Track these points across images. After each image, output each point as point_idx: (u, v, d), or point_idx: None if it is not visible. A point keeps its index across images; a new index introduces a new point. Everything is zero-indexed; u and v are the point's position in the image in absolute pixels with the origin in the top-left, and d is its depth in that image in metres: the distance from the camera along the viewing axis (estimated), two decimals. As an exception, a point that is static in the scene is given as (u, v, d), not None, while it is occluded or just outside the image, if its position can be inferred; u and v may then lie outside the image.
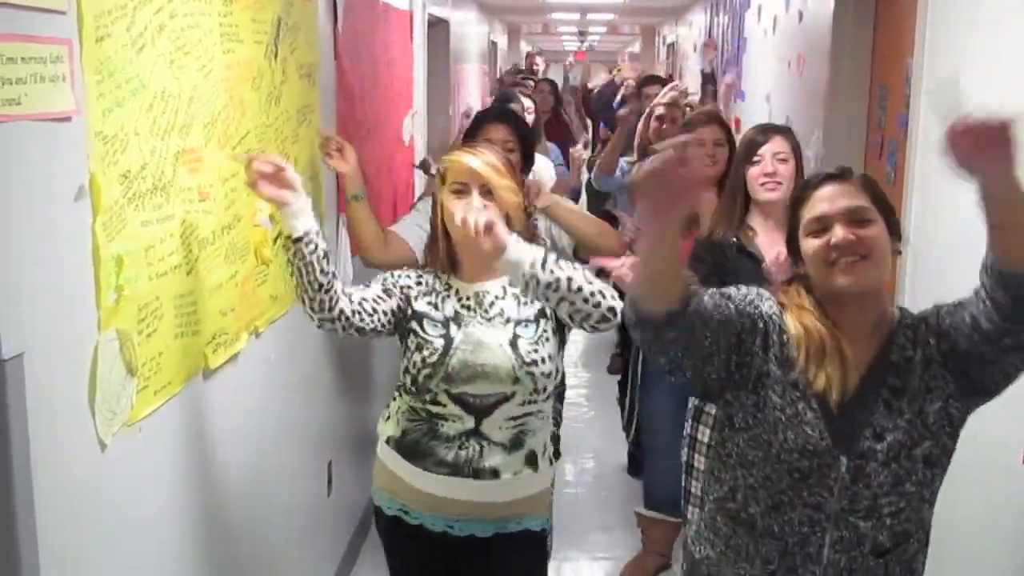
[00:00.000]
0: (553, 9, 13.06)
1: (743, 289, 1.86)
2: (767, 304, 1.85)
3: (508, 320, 2.32)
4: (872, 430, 1.78)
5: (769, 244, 2.83)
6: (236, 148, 2.42)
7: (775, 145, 2.88)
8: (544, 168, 4.61)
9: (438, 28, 6.88)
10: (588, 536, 4.22)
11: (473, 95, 9.10)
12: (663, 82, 7.01)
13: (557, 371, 2.35)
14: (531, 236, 2.39)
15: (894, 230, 1.84)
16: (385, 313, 2.32)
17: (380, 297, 2.33)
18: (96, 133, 1.71)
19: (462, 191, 2.29)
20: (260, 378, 2.67)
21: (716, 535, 1.93)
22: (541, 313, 2.33)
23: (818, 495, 1.79)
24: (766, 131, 2.96)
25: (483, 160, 2.29)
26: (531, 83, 7.49)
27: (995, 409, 2.16)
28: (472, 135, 3.14)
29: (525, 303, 2.34)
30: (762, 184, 2.87)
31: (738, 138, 3.40)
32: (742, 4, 7.08)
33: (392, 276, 2.39)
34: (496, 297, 2.34)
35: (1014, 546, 2.17)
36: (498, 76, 9.43)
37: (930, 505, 1.87)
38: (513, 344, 2.28)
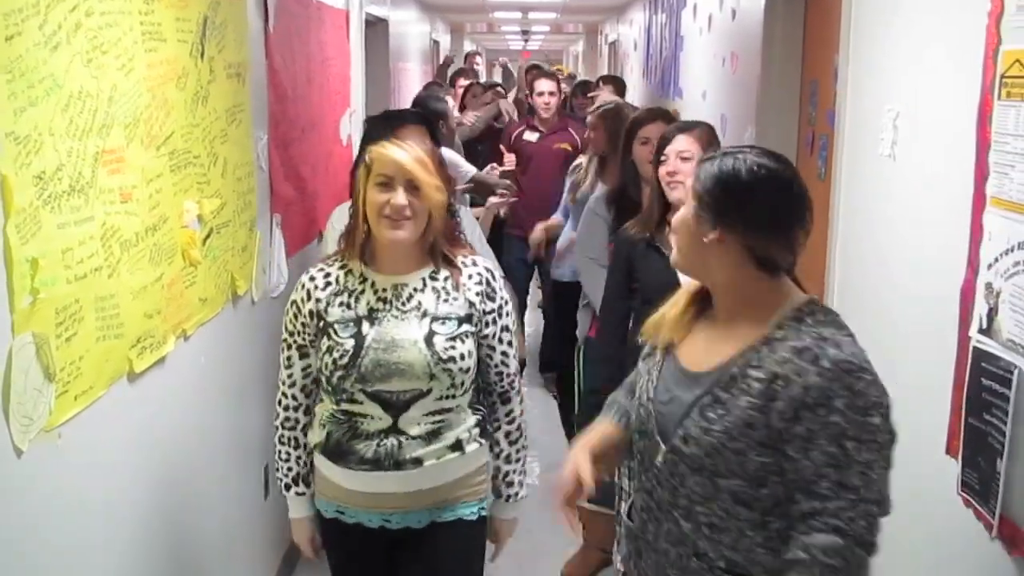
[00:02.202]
0: (495, 8, 13.05)
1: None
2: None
3: (425, 314, 2.28)
4: (684, 432, 1.76)
5: None
6: (161, 148, 2.39)
7: (679, 144, 2.93)
8: (455, 163, 4.64)
9: (377, 27, 6.84)
10: (530, 534, 4.21)
11: (415, 94, 9.05)
12: (616, 81, 7.07)
13: (476, 367, 2.35)
14: (453, 235, 2.38)
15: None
16: (315, 364, 2.36)
17: (308, 369, 2.38)
18: (7, 134, 1.68)
19: (387, 184, 2.23)
20: (189, 382, 2.63)
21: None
22: (466, 319, 2.31)
23: (650, 480, 1.84)
24: (677, 129, 3.01)
25: (411, 155, 2.24)
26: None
27: (917, 399, 2.20)
28: (383, 135, 3.09)
29: (446, 300, 2.31)
30: (667, 183, 2.92)
31: None
32: (679, 2, 7.13)
33: (294, 321, 2.34)
34: (415, 289, 2.30)
35: (938, 535, 2.21)
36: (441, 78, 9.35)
37: (768, 551, 1.70)
38: (428, 340, 2.25)
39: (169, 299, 2.43)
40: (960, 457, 2.08)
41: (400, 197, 2.21)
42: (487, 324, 2.35)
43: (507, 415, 2.47)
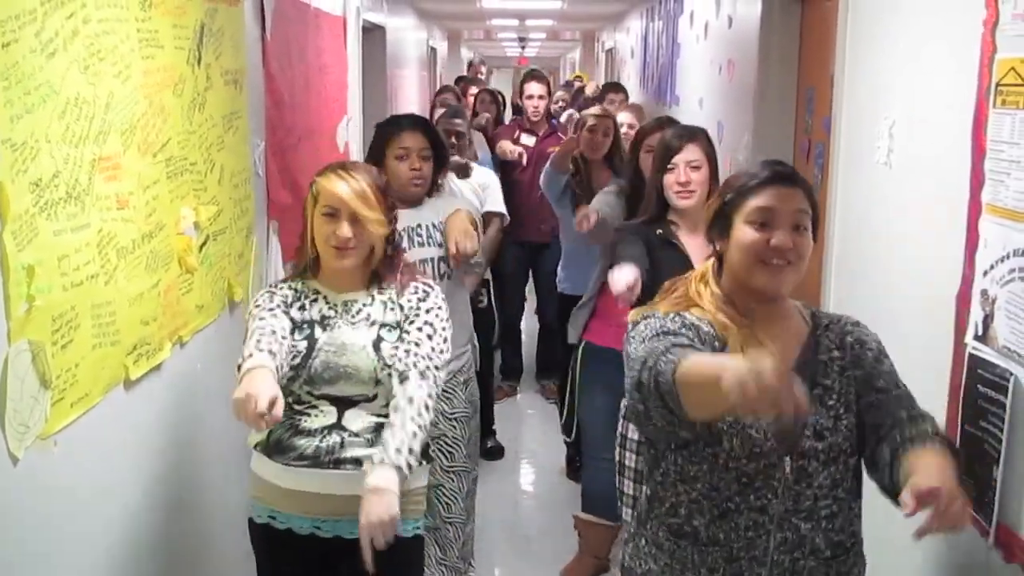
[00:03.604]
0: (492, 15, 13.06)
1: (679, 326, 1.81)
2: (695, 321, 1.85)
3: (373, 323, 2.34)
4: (813, 429, 1.80)
5: (690, 239, 2.91)
6: (157, 155, 2.39)
7: (688, 153, 2.96)
8: (488, 179, 4.61)
9: (374, 34, 6.85)
10: (526, 539, 4.22)
11: (412, 101, 9.06)
12: (624, 91, 7.05)
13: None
14: (393, 264, 2.41)
15: (815, 237, 1.88)
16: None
17: (284, 335, 2.26)
18: (3, 140, 1.68)
19: (333, 216, 2.29)
20: (186, 388, 2.63)
21: (659, 550, 1.91)
22: (400, 323, 2.38)
23: (763, 498, 1.80)
24: (680, 137, 3.02)
25: (353, 189, 2.28)
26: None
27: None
28: (386, 142, 3.15)
29: (392, 309, 2.37)
30: (676, 192, 2.97)
31: None
32: (675, 10, 7.14)
33: (270, 302, 2.31)
34: (364, 304, 2.37)
35: (934, 542, 2.21)
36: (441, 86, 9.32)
37: (858, 518, 1.91)
38: (376, 346, 2.31)
39: (165, 306, 2.43)
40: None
41: (345, 230, 2.28)
42: (412, 317, 2.36)
43: (404, 393, 2.27)
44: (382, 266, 2.39)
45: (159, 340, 2.39)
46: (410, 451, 2.19)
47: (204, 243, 2.73)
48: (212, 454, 2.88)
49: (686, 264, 2.82)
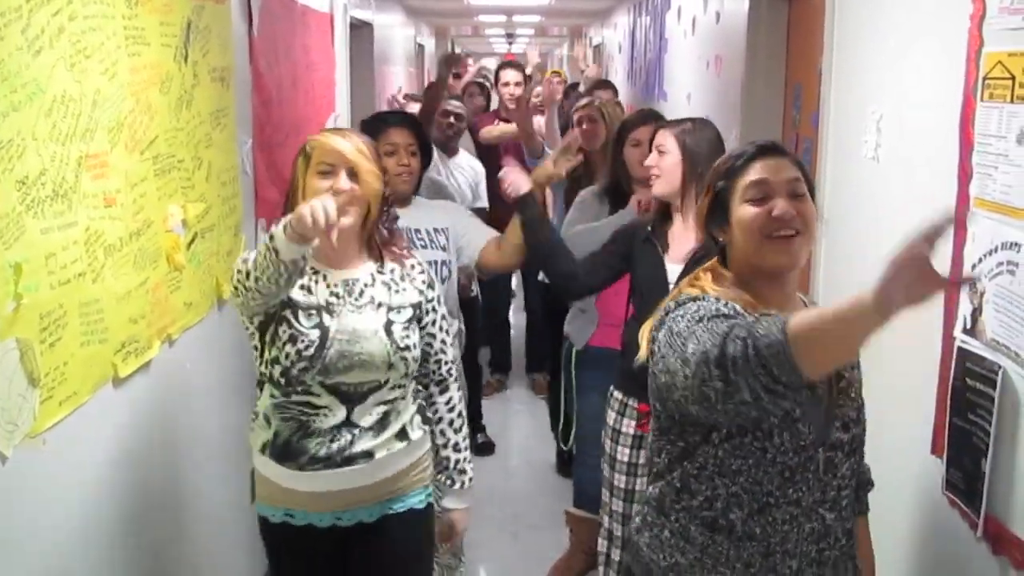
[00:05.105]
0: (479, 12, 13.04)
1: (733, 312, 1.72)
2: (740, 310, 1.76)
3: (380, 305, 2.32)
4: (842, 421, 1.81)
5: (679, 234, 2.89)
6: (145, 152, 2.38)
7: (657, 138, 2.96)
8: (476, 168, 4.66)
9: (361, 31, 6.83)
10: (516, 535, 4.23)
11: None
12: (613, 87, 7.04)
13: (420, 355, 2.41)
14: (391, 227, 2.41)
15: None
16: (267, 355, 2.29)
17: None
18: (-10, 138, 1.67)
19: (329, 172, 2.25)
20: (174, 386, 2.62)
21: (689, 543, 1.83)
22: (416, 307, 2.38)
23: (799, 490, 1.78)
24: (663, 124, 3.04)
25: (351, 143, 2.28)
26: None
27: (903, 400, 2.22)
28: (373, 138, 3.13)
29: (397, 291, 2.36)
30: (645, 177, 2.98)
31: None
32: (663, 5, 7.14)
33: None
34: (365, 285, 2.33)
35: (923, 535, 2.23)
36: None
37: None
38: (388, 329, 2.29)
39: (154, 304, 2.42)
40: (945, 457, 2.09)
41: (344, 182, 2.24)
42: (427, 312, 2.43)
43: (447, 403, 2.54)
44: (379, 235, 2.37)
45: (147, 338, 2.38)
46: (467, 460, 2.55)
47: (192, 241, 2.72)
48: (201, 452, 2.88)
49: (658, 264, 2.85)
